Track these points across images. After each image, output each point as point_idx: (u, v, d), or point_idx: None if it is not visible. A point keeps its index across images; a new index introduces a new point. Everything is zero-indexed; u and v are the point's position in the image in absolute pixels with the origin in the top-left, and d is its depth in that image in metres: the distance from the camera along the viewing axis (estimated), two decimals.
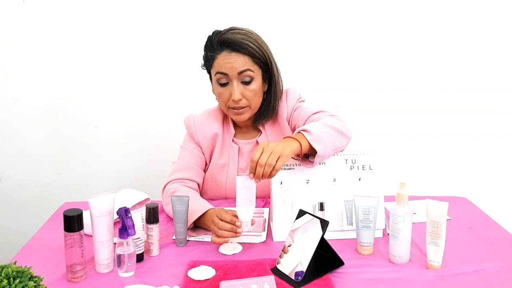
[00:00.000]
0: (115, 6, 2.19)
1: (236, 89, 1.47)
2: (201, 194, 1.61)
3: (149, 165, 2.34)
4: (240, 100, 1.48)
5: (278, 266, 1.19)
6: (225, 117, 1.64)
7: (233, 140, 1.62)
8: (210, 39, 1.51)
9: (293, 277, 1.14)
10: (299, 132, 1.36)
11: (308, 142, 1.31)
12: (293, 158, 1.37)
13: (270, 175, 1.26)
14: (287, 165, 1.37)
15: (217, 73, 1.48)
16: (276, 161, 1.24)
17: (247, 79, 1.48)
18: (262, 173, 1.24)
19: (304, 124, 1.48)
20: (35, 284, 0.95)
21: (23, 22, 2.19)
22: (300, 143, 1.31)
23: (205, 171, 1.64)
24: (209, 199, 1.56)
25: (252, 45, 1.46)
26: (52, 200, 1.91)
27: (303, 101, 1.63)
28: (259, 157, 1.24)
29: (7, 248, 2.21)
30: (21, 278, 0.94)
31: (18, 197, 2.38)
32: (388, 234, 1.27)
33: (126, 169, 2.35)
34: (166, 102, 2.29)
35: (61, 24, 2.20)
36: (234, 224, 1.26)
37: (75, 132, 2.31)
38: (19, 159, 2.33)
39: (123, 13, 2.19)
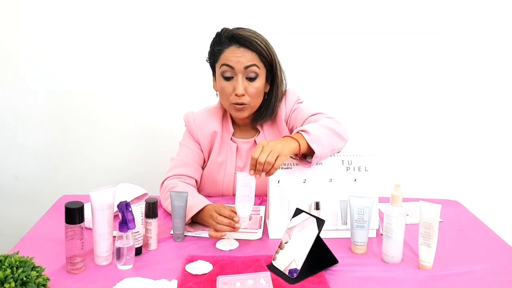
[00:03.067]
0: (117, 4, 2.20)
1: (241, 84, 1.50)
2: (199, 191, 1.63)
3: (146, 160, 2.36)
4: (243, 95, 1.51)
5: (274, 263, 1.21)
6: (224, 115, 1.66)
7: (231, 138, 1.65)
8: (218, 34, 1.54)
9: (288, 274, 1.16)
10: (298, 132, 1.39)
11: (307, 142, 1.34)
12: (292, 158, 1.40)
13: (269, 173, 1.29)
14: (284, 165, 1.39)
15: (222, 65, 1.51)
16: (275, 160, 1.27)
17: (252, 75, 1.50)
18: (261, 170, 1.27)
19: (302, 125, 1.51)
20: (37, 273, 0.97)
21: (25, 17, 2.19)
22: (299, 143, 1.34)
23: (203, 168, 1.67)
24: (206, 196, 1.58)
25: (260, 43, 1.50)
26: (48, 193, 1.92)
27: (301, 102, 1.66)
28: (259, 155, 1.27)
29: (2, 240, 2.23)
30: (24, 267, 0.96)
31: (13, 189, 2.38)
32: (382, 234, 1.30)
33: (124, 164, 2.36)
34: (166, 98, 2.30)
35: (62, 19, 2.21)
36: (232, 219, 1.29)
37: (73, 126, 2.33)
38: (16, 151, 2.34)
39: (125, 11, 2.21)
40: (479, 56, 2.28)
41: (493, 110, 2.35)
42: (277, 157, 1.28)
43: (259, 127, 1.65)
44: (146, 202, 1.28)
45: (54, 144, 2.34)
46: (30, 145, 2.34)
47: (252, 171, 1.28)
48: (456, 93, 2.32)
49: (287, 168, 1.40)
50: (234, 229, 1.30)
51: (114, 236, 1.22)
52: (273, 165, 1.27)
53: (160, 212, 1.47)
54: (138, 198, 1.57)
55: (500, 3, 2.24)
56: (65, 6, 2.19)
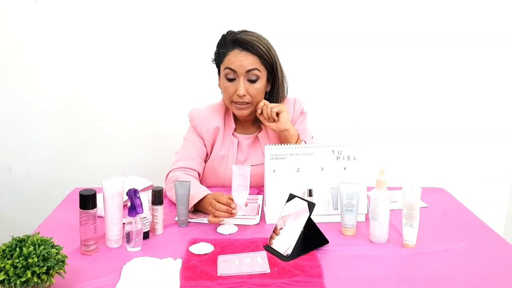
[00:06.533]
0: (122, 7, 2.30)
1: (242, 85, 1.62)
2: (201, 183, 1.74)
3: (152, 158, 2.44)
4: (244, 96, 1.63)
5: (270, 245, 1.32)
6: (226, 112, 1.77)
7: (233, 134, 1.76)
8: (224, 37, 1.66)
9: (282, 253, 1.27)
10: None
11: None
12: None
13: (272, 116, 1.62)
14: (279, 155, 1.50)
15: (226, 68, 1.63)
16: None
17: (253, 77, 1.63)
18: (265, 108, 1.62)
19: None
20: (57, 251, 1.08)
21: (35, 23, 2.30)
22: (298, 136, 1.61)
23: (206, 161, 1.78)
24: (208, 187, 1.68)
25: (261, 47, 1.61)
26: (59, 190, 2.01)
27: (304, 113, 1.81)
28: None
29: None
30: (44, 245, 1.08)
31: (26, 187, 2.49)
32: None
33: (130, 161, 2.45)
34: (169, 99, 2.40)
35: (71, 24, 2.30)
36: (229, 206, 1.40)
37: (82, 126, 2.42)
38: (28, 151, 2.44)
39: (130, 14, 2.30)
40: (460, 51, 2.36)
41: (477, 105, 2.42)
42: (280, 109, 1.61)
43: (261, 125, 1.76)
44: (152, 190, 1.40)
45: (64, 143, 2.44)
46: (41, 145, 2.44)
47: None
48: (443, 88, 2.40)
49: (282, 158, 1.51)
50: (231, 215, 1.41)
51: (124, 223, 1.34)
52: (271, 109, 1.60)
53: (165, 202, 1.59)
54: (144, 190, 1.68)
55: (500, 3, 2.32)
56: (76, 7, 2.29)
